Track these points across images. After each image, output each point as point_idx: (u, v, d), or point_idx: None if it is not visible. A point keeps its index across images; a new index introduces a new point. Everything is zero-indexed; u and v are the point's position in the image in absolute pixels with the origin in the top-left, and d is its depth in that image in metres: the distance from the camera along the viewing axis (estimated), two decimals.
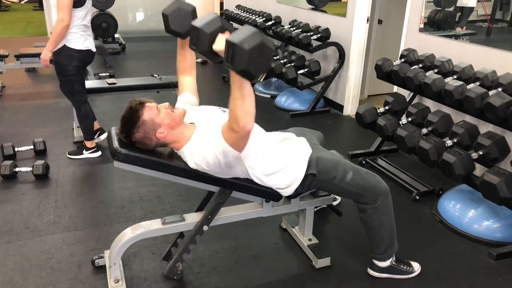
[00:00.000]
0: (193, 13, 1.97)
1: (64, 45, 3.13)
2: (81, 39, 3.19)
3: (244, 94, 1.58)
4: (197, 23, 1.58)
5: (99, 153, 3.57)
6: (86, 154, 3.53)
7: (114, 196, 2.97)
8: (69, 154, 3.55)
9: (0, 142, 3.54)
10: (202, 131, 1.90)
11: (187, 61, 2.17)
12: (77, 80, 3.30)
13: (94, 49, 3.33)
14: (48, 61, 3.16)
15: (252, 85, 5.56)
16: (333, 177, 2.01)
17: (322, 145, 2.30)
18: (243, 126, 1.62)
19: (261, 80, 5.81)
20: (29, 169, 3.15)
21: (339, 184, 2.01)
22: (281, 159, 1.96)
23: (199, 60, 6.98)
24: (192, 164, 1.87)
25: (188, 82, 2.19)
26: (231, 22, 6.84)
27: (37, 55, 3.45)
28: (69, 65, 3.20)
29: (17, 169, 3.15)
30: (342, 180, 2.01)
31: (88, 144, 3.53)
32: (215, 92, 5.49)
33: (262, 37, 1.46)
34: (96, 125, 3.66)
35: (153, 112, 1.88)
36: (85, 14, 3.16)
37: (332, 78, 4.72)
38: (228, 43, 1.46)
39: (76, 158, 3.51)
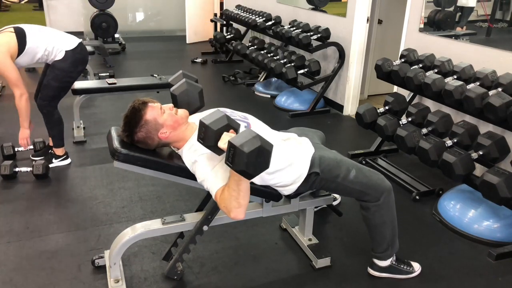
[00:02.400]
0: (200, 95, 2.14)
1: (66, 52, 3.06)
2: (65, 38, 3.12)
3: (240, 188, 1.68)
4: (206, 120, 1.69)
5: (69, 161, 3.42)
6: (56, 163, 3.36)
7: (114, 196, 2.97)
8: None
9: (0, 142, 3.54)
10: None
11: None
12: (69, 87, 3.27)
13: (80, 39, 3.22)
14: (28, 139, 3.09)
15: (252, 85, 5.62)
16: (336, 175, 2.01)
17: (324, 144, 2.30)
18: (233, 217, 1.72)
19: (261, 80, 5.81)
20: (29, 169, 3.15)
21: (342, 182, 2.01)
22: (283, 159, 1.96)
23: (200, 60, 6.98)
24: (189, 166, 1.87)
25: None
26: (231, 22, 6.85)
27: None
28: (74, 71, 3.16)
29: (17, 169, 3.14)
30: (345, 178, 2.01)
31: (59, 151, 3.37)
32: (215, 92, 5.49)
33: (261, 140, 1.58)
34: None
35: (156, 112, 1.88)
36: (32, 44, 2.95)
37: (332, 78, 4.72)
38: (230, 145, 1.57)
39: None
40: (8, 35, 2.91)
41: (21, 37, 2.93)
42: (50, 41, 3.04)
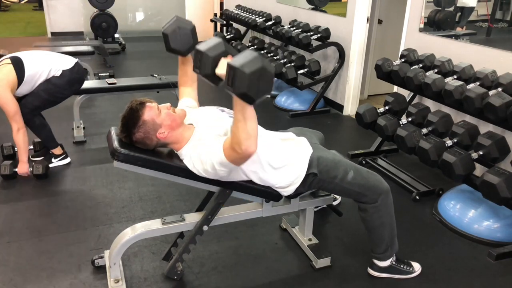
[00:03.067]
0: (192, 32, 2.02)
1: (63, 71, 3.10)
2: (62, 59, 3.15)
3: (246, 117, 1.60)
4: (201, 47, 1.60)
5: (68, 160, 3.43)
6: (55, 162, 3.38)
7: (114, 196, 2.97)
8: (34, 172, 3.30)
9: (0, 142, 3.54)
10: (200, 133, 1.91)
11: (188, 76, 2.20)
12: (57, 103, 3.25)
13: (76, 60, 3.27)
14: (28, 171, 3.11)
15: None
16: (334, 176, 2.01)
17: (323, 145, 2.30)
18: (245, 149, 1.63)
19: None
20: (29, 169, 3.15)
21: (340, 183, 2.01)
22: (281, 159, 1.96)
23: None
24: (190, 167, 1.87)
25: (189, 91, 2.22)
26: (231, 22, 6.85)
27: None
28: (68, 89, 3.19)
29: (16, 169, 3.14)
30: (343, 180, 2.01)
31: (56, 151, 3.38)
32: (215, 92, 5.48)
33: (263, 61, 1.48)
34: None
35: (154, 112, 1.88)
36: (34, 62, 3.00)
37: (332, 78, 4.72)
38: (229, 67, 1.48)
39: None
40: (6, 67, 2.92)
41: (19, 67, 2.95)
42: (48, 65, 3.08)
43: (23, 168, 3.11)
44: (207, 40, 1.68)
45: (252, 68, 1.45)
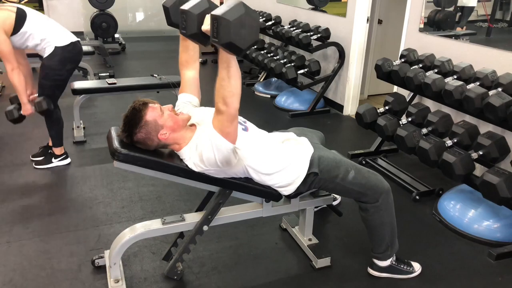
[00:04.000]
0: None
1: (55, 47, 3.06)
2: (60, 34, 3.13)
3: (230, 75, 1.59)
4: (185, 6, 1.58)
5: (68, 160, 3.43)
6: (55, 162, 3.37)
7: (114, 196, 2.97)
8: (36, 164, 3.36)
9: (0, 142, 3.54)
10: (201, 133, 1.91)
11: (189, 53, 2.13)
12: (63, 85, 3.24)
13: (77, 38, 3.25)
14: (32, 110, 3.14)
15: (252, 85, 5.61)
16: (335, 175, 2.01)
17: (323, 144, 2.30)
18: (229, 104, 1.63)
19: (261, 80, 5.81)
20: (32, 108, 3.13)
21: (341, 183, 2.01)
22: (282, 159, 1.96)
23: (200, 60, 6.97)
24: (191, 165, 1.87)
25: (190, 78, 2.15)
26: None
27: (37, 55, 3.44)
28: (62, 69, 3.14)
29: (21, 112, 3.15)
30: (344, 179, 2.01)
31: (57, 151, 3.38)
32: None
33: (246, 8, 1.45)
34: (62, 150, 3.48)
35: (156, 113, 1.88)
36: (29, 27, 2.98)
37: (332, 78, 4.72)
38: (212, 17, 1.45)
39: (44, 168, 3.35)
40: (7, 12, 2.93)
41: (20, 19, 2.95)
42: (44, 33, 3.05)
43: (26, 109, 3.13)
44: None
45: (235, 15, 1.42)
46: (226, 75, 1.60)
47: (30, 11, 3.04)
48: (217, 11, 1.44)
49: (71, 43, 3.18)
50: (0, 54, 2.95)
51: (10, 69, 2.98)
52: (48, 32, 3.08)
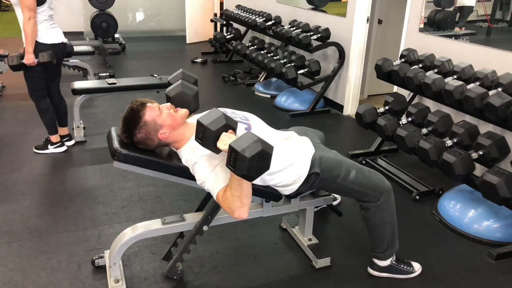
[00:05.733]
0: (194, 98, 2.12)
1: (36, 42, 3.19)
2: (51, 32, 3.30)
3: (242, 188, 1.68)
4: (203, 120, 1.68)
5: (64, 148, 3.62)
6: (51, 149, 3.57)
7: (114, 196, 2.97)
8: (35, 148, 3.59)
9: (0, 142, 3.54)
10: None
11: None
12: (43, 77, 3.35)
13: (65, 40, 3.43)
14: (34, 61, 3.21)
15: (252, 85, 5.61)
16: (336, 175, 2.01)
17: (324, 144, 2.30)
18: (237, 216, 1.72)
19: (261, 80, 5.81)
20: (35, 59, 3.18)
21: (342, 182, 2.01)
22: (284, 159, 1.96)
23: (200, 60, 6.98)
24: (187, 166, 1.87)
25: None
26: (231, 21, 6.86)
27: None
28: (36, 66, 3.25)
29: (23, 61, 3.20)
30: (345, 179, 2.01)
31: (53, 138, 3.56)
32: (215, 92, 5.49)
33: (262, 144, 1.57)
34: (65, 131, 3.71)
35: (155, 112, 1.87)
36: (48, 6, 3.25)
37: (332, 78, 4.72)
38: (231, 149, 1.56)
39: (42, 153, 3.56)
40: None
41: None
42: (46, 21, 3.26)
43: (29, 58, 3.18)
44: (208, 112, 1.75)
45: (253, 152, 1.54)
46: (238, 187, 1.68)
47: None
48: (237, 145, 1.56)
49: (53, 45, 3.31)
50: (23, 3, 3.06)
51: (28, 18, 3.08)
52: (48, 23, 3.27)
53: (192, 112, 2.13)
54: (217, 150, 1.70)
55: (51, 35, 3.30)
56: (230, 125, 1.71)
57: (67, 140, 3.70)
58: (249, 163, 1.54)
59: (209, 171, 1.78)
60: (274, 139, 2.02)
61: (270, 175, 1.94)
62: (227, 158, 1.60)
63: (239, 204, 1.69)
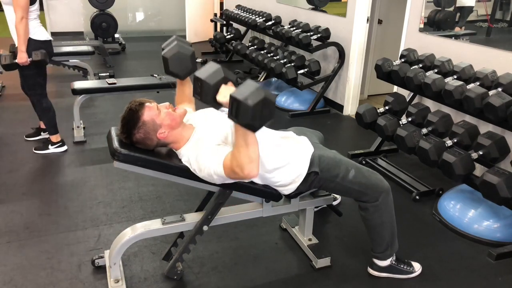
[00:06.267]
0: (192, 57, 2.06)
1: (30, 39, 3.24)
2: (41, 30, 3.36)
3: (248, 142, 1.61)
4: (200, 74, 1.63)
5: (64, 148, 3.62)
6: (51, 149, 3.58)
7: (114, 196, 2.97)
8: (35, 149, 3.59)
9: (0, 142, 3.54)
10: (200, 134, 1.91)
11: (185, 95, 2.22)
12: (41, 73, 3.39)
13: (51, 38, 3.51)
14: (27, 60, 3.23)
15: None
16: (335, 175, 2.01)
17: (323, 144, 2.30)
18: (247, 173, 1.65)
19: (261, 80, 5.81)
20: (28, 58, 3.20)
21: (341, 182, 2.01)
22: (282, 157, 1.96)
23: (200, 60, 6.98)
24: (188, 165, 1.87)
25: (187, 106, 2.20)
26: (231, 22, 6.86)
27: None
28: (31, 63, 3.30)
29: (16, 60, 3.22)
30: (344, 178, 2.01)
31: (53, 138, 3.58)
32: None
33: (265, 92, 1.52)
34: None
35: (153, 112, 1.87)
36: (37, 6, 3.30)
37: (332, 78, 4.72)
38: (233, 99, 1.52)
39: (42, 153, 3.56)
40: None
41: None
42: (36, 19, 3.32)
43: (22, 57, 3.20)
44: (206, 66, 1.71)
45: (256, 99, 1.49)
46: (243, 142, 1.61)
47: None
48: (238, 94, 1.50)
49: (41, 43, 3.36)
50: (17, 3, 3.10)
51: (20, 17, 3.11)
52: (37, 21, 3.34)
53: (191, 72, 2.08)
54: (217, 105, 1.64)
55: (42, 32, 3.36)
56: (228, 78, 1.65)
57: (60, 146, 3.66)
58: (253, 111, 1.48)
59: (211, 154, 1.78)
60: (272, 138, 2.03)
61: (269, 173, 1.94)
62: (229, 109, 1.54)
63: (247, 160, 1.62)
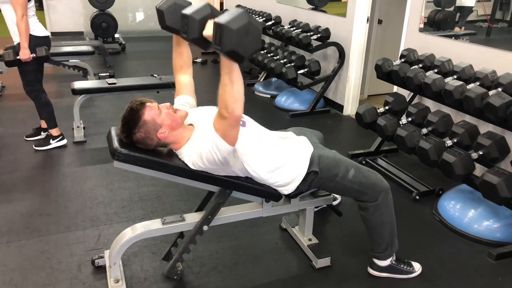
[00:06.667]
0: None
1: (30, 35, 3.28)
2: (39, 26, 3.42)
3: (232, 79, 1.59)
4: (187, 11, 1.58)
5: (65, 141, 3.70)
6: (53, 144, 3.64)
7: (114, 196, 2.97)
8: (35, 146, 3.62)
9: (0, 142, 3.55)
10: (200, 131, 1.91)
11: (183, 59, 2.16)
12: (40, 70, 3.46)
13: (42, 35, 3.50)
14: (30, 56, 3.27)
15: (252, 85, 5.61)
16: (335, 174, 2.01)
17: (323, 144, 2.30)
18: (231, 111, 1.63)
19: (261, 80, 5.81)
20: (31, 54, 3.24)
21: (341, 181, 2.01)
22: (282, 157, 1.96)
23: (200, 60, 6.98)
24: (190, 164, 1.87)
25: (185, 82, 2.17)
26: None
27: None
28: (35, 54, 3.35)
29: (19, 56, 3.26)
30: (344, 178, 2.01)
31: (54, 132, 3.64)
32: (215, 92, 5.48)
33: (249, 17, 1.46)
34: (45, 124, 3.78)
35: (154, 112, 1.88)
36: (33, 3, 3.38)
37: (332, 78, 4.72)
38: (216, 25, 1.45)
39: (44, 149, 3.61)
40: None
41: None
42: (34, 16, 3.41)
43: (25, 53, 3.25)
44: (193, 4, 1.65)
45: (239, 23, 1.43)
46: (228, 80, 1.60)
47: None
48: (221, 19, 1.45)
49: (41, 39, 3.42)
50: (16, 1, 3.14)
51: (21, 15, 3.16)
52: (34, 21, 3.41)
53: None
54: (204, 43, 1.59)
55: (41, 28, 3.42)
56: (215, 14, 1.58)
57: (61, 140, 3.74)
58: (236, 36, 1.41)
59: (204, 137, 1.79)
60: (271, 138, 2.03)
61: (268, 173, 1.94)
62: (213, 36, 1.48)
63: (231, 100, 1.61)
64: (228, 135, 1.72)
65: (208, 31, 1.55)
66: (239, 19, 1.44)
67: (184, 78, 2.17)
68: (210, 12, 1.58)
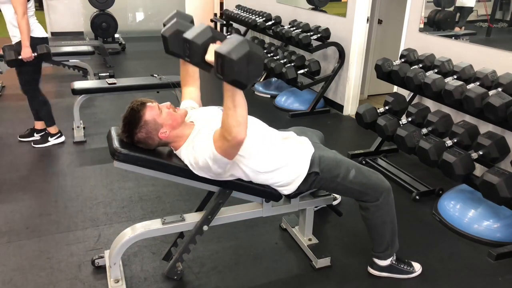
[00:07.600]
0: None
1: (30, 36, 3.29)
2: (39, 27, 3.44)
3: (236, 104, 1.59)
4: (188, 35, 1.59)
5: (63, 138, 3.73)
6: (52, 141, 3.67)
7: (114, 196, 2.96)
8: (34, 144, 3.66)
9: (0, 142, 3.54)
10: (199, 130, 1.91)
11: (189, 75, 2.22)
12: (38, 70, 3.47)
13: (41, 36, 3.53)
14: (31, 55, 3.29)
15: (252, 85, 5.61)
16: (336, 175, 2.01)
17: (323, 144, 2.30)
18: (234, 136, 1.63)
19: (261, 80, 5.81)
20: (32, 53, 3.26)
21: (342, 182, 2.01)
22: (282, 157, 1.96)
23: None
24: (187, 163, 1.87)
25: (191, 91, 2.22)
26: (231, 22, 6.85)
27: None
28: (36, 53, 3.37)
29: (21, 56, 3.28)
30: (344, 178, 2.01)
31: (52, 130, 3.67)
32: (215, 92, 5.49)
33: (250, 45, 1.46)
34: (41, 125, 3.77)
35: (155, 112, 1.88)
36: (32, 3, 3.38)
37: (332, 78, 4.72)
38: (217, 54, 1.46)
39: (43, 147, 3.63)
40: None
41: None
42: (33, 16, 3.41)
43: (26, 52, 3.27)
44: (194, 27, 1.66)
45: (240, 53, 1.43)
46: (231, 104, 1.59)
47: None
48: (222, 49, 1.45)
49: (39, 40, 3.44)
50: (16, 1, 3.17)
51: (22, 14, 3.18)
52: (33, 21, 3.42)
53: None
54: (207, 67, 1.60)
55: (40, 29, 3.44)
56: (217, 37, 1.59)
57: (59, 137, 3.77)
58: (237, 66, 1.42)
59: (206, 139, 1.78)
60: (273, 138, 2.03)
61: (268, 173, 1.94)
62: (215, 65, 1.48)
63: (234, 123, 1.60)
64: (229, 153, 1.74)
65: (210, 56, 1.55)
66: (239, 48, 1.43)
67: (191, 90, 2.23)
68: (211, 36, 1.58)
